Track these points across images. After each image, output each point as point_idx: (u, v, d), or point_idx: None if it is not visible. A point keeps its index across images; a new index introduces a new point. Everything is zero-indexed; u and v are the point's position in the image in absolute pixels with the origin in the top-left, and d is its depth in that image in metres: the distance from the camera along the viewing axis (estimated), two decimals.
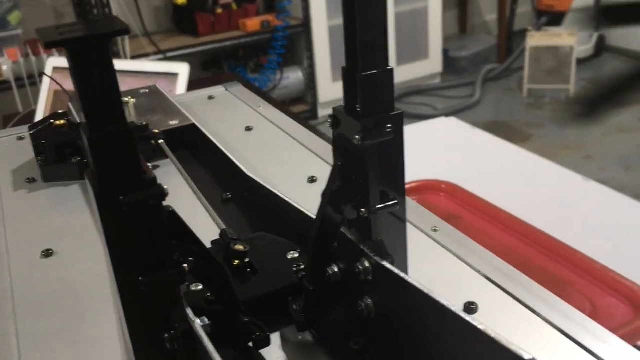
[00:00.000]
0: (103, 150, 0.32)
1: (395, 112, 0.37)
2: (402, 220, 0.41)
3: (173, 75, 1.65)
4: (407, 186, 1.04)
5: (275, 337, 0.43)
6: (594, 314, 0.66)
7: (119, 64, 1.75)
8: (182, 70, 1.61)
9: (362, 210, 0.39)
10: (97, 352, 0.43)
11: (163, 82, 1.61)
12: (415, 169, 1.07)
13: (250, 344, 0.41)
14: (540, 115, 2.85)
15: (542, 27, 3.01)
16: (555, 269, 0.81)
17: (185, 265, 0.36)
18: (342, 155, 0.39)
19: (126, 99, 0.71)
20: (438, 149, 1.28)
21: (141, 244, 0.34)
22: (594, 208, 1.12)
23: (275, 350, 0.42)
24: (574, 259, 0.80)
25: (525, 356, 0.28)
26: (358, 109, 0.37)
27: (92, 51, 0.30)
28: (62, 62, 1.53)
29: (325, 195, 0.40)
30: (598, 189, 1.21)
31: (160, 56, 2.56)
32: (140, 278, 0.34)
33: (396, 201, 0.39)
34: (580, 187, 1.20)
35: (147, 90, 0.82)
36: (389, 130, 0.37)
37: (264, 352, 0.41)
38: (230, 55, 2.88)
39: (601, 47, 3.39)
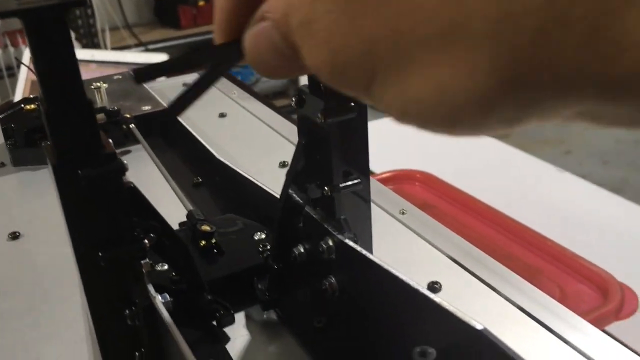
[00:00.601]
0: (61, 123, 0.32)
1: None
2: (366, 200, 0.42)
3: None
4: (382, 175, 1.04)
5: (240, 317, 0.43)
6: (564, 300, 0.67)
7: (97, 55, 1.73)
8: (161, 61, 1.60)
9: (326, 188, 0.39)
10: (61, 331, 0.43)
11: None
12: (391, 160, 1.08)
13: (214, 323, 0.41)
14: None
15: None
16: (527, 256, 0.82)
17: (146, 241, 0.36)
18: (306, 134, 0.39)
19: (98, 84, 0.71)
20: (415, 140, 1.28)
21: (101, 218, 0.34)
22: (568, 199, 1.13)
23: (239, 329, 0.42)
24: (545, 247, 0.81)
25: (478, 326, 0.29)
26: (322, 88, 0.37)
27: (47, 21, 0.29)
28: None
29: (290, 174, 0.40)
30: (573, 180, 1.22)
31: (142, 48, 2.54)
32: (100, 253, 0.34)
33: (359, 180, 0.40)
34: (556, 179, 1.22)
35: (120, 77, 0.81)
36: (352, 108, 0.38)
37: (228, 330, 0.41)
38: None
39: None
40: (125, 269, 0.35)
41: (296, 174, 0.40)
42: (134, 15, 2.78)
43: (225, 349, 0.39)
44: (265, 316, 0.43)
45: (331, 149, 0.38)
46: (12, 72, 2.19)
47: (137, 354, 0.37)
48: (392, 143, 1.23)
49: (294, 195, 0.41)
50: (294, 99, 0.40)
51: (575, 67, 0.14)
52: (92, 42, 2.48)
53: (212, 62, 0.28)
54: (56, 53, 0.30)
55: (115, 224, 0.34)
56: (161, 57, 1.69)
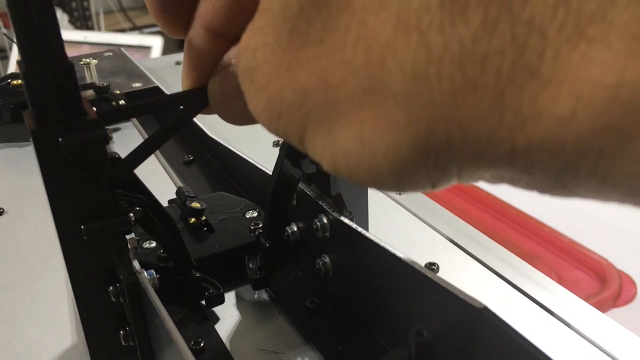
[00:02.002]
0: (40, 88, 0.30)
1: None
2: None
3: (146, 49, 1.61)
4: None
5: (230, 296, 0.42)
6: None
7: (90, 36, 1.71)
8: (155, 43, 1.58)
9: None
10: (44, 309, 0.42)
11: (136, 55, 1.57)
12: None
13: (203, 302, 0.39)
14: None
15: None
16: (524, 242, 0.81)
17: (132, 214, 0.34)
18: None
19: (87, 60, 0.69)
20: None
21: (83, 189, 0.32)
22: None
23: (229, 309, 0.40)
24: (542, 233, 0.80)
25: (477, 305, 0.27)
26: None
27: None
28: None
29: (283, 147, 0.39)
30: None
31: (137, 32, 2.51)
32: (82, 226, 0.32)
33: None
34: None
35: (111, 54, 0.79)
36: None
37: (217, 310, 0.40)
38: None
39: None
40: (108, 243, 0.34)
41: (290, 147, 0.39)
42: None
43: (214, 329, 0.38)
44: (256, 296, 0.42)
45: None
46: (5, 54, 2.17)
47: (122, 332, 0.35)
48: None
49: (288, 170, 0.40)
50: None
51: (485, 132, 0.14)
52: (86, 25, 2.45)
53: (177, 108, 0.28)
54: (35, 11, 0.29)
55: (98, 196, 0.32)
56: (156, 40, 1.67)
